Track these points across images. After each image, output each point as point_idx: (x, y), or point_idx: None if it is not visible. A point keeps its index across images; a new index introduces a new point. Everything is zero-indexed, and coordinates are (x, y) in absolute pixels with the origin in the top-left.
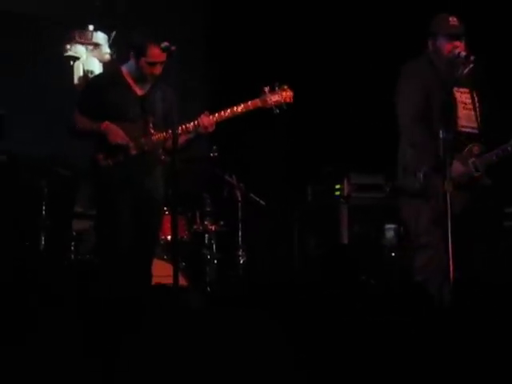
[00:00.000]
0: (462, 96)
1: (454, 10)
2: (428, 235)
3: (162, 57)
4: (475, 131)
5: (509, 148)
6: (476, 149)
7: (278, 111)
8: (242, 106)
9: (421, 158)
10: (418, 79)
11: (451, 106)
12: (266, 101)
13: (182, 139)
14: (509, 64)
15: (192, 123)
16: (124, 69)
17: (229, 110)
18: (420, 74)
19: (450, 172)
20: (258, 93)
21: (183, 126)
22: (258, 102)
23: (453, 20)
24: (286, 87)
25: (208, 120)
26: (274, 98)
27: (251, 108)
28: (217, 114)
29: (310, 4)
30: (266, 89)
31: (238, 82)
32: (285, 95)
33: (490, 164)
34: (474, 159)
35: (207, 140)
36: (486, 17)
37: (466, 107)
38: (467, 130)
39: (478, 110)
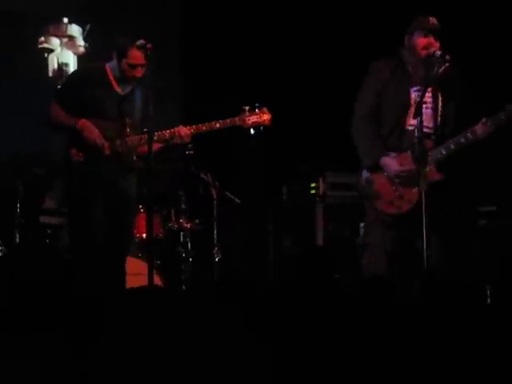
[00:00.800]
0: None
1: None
2: (368, 235)
3: (143, 59)
4: (428, 130)
5: (461, 140)
6: (427, 144)
7: (253, 132)
8: (221, 122)
9: (364, 157)
10: (375, 78)
11: (421, 106)
12: (245, 120)
13: (156, 146)
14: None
15: (168, 131)
16: (108, 67)
17: (207, 125)
18: (380, 73)
19: (424, 171)
20: (238, 110)
21: (159, 133)
22: (236, 121)
23: (432, 19)
24: (265, 109)
25: (184, 130)
26: (253, 119)
27: (228, 125)
28: (194, 126)
29: (286, 8)
30: (246, 108)
31: (213, 85)
32: (263, 118)
33: (439, 159)
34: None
35: None
36: (464, 22)
37: (423, 106)
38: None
39: (439, 110)
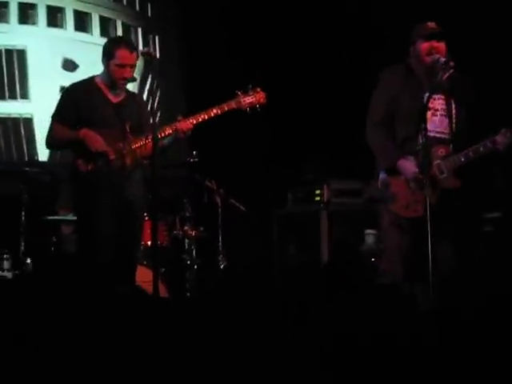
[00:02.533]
0: (434, 102)
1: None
2: (386, 240)
3: (132, 59)
4: (445, 136)
5: (481, 149)
6: (441, 151)
7: (251, 113)
8: (218, 108)
9: (381, 159)
10: (386, 86)
11: (425, 113)
12: (240, 102)
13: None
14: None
15: (169, 128)
16: (97, 78)
17: (204, 113)
18: (390, 82)
19: (432, 177)
20: (233, 95)
21: (161, 131)
22: (232, 104)
23: (431, 24)
24: (258, 89)
25: (186, 125)
26: (248, 100)
27: (226, 110)
28: (193, 118)
29: (285, 5)
30: (240, 91)
31: (215, 85)
32: (258, 97)
33: (457, 166)
34: (439, 161)
35: (187, 146)
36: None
37: (435, 113)
38: (434, 134)
39: (453, 117)
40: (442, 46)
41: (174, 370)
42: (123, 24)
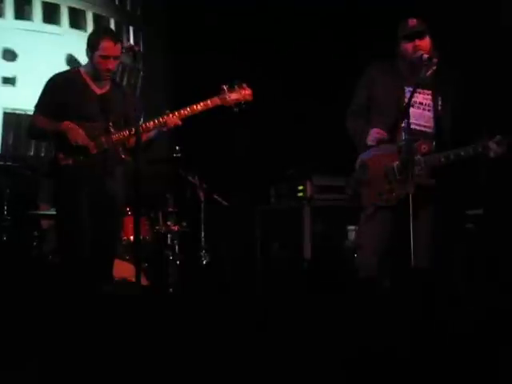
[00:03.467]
0: (419, 96)
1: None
2: (358, 235)
3: (116, 51)
4: (427, 130)
5: (462, 153)
6: (424, 147)
7: (237, 110)
8: (202, 104)
9: (358, 146)
10: (368, 78)
11: (408, 108)
12: (226, 99)
13: (143, 137)
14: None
15: (153, 121)
16: (82, 69)
17: (188, 108)
18: (372, 74)
19: (412, 173)
20: (218, 91)
21: (144, 125)
22: (217, 101)
23: (411, 21)
24: (244, 85)
25: (172, 120)
26: (234, 97)
27: (211, 106)
28: (176, 112)
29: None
30: (225, 87)
31: (200, 79)
32: (244, 93)
33: (435, 165)
34: (419, 157)
35: (170, 141)
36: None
37: (418, 107)
38: (415, 126)
39: (438, 112)
40: (425, 42)
41: (157, 365)
42: (94, 14)
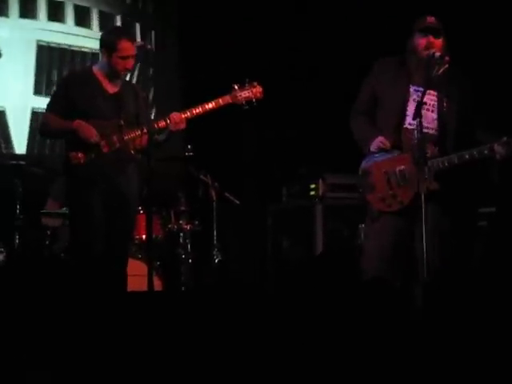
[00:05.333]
0: (427, 97)
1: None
2: (365, 238)
3: (133, 50)
4: (430, 131)
5: (467, 156)
6: (427, 152)
7: (247, 107)
8: (213, 102)
9: (362, 146)
10: (374, 76)
11: (420, 107)
12: (236, 97)
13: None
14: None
15: (163, 121)
16: (95, 68)
17: (199, 107)
18: (378, 72)
19: (424, 173)
20: (229, 89)
21: (154, 123)
22: (228, 99)
23: (430, 18)
24: (255, 83)
25: (178, 117)
26: (244, 95)
27: (222, 104)
28: (187, 111)
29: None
30: (236, 85)
31: (211, 79)
32: (255, 91)
33: (440, 169)
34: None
35: (182, 139)
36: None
37: (423, 107)
38: (424, 129)
39: (443, 113)
40: (439, 42)
41: (168, 364)
42: (100, 12)
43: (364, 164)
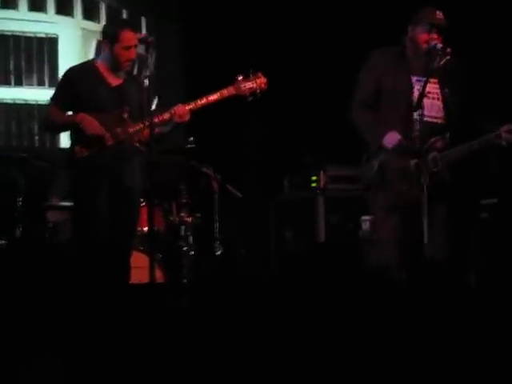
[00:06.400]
0: (429, 86)
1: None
2: (379, 228)
3: (135, 40)
4: (438, 121)
5: (476, 146)
6: (439, 143)
7: (251, 98)
8: (217, 93)
9: (371, 142)
10: (373, 66)
11: (422, 99)
12: (241, 88)
13: (156, 130)
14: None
15: (167, 113)
16: (98, 61)
17: (204, 99)
18: (378, 62)
19: (427, 164)
20: (233, 80)
21: (159, 116)
22: (232, 90)
23: (439, 14)
24: (259, 74)
25: (183, 109)
26: (248, 86)
27: (226, 96)
28: (192, 103)
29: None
30: (240, 77)
31: (214, 70)
32: (259, 82)
33: (452, 161)
34: (435, 153)
35: (184, 131)
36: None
37: (429, 96)
38: (430, 119)
39: (446, 101)
40: (440, 39)
41: (170, 358)
42: (107, 6)
43: (381, 159)
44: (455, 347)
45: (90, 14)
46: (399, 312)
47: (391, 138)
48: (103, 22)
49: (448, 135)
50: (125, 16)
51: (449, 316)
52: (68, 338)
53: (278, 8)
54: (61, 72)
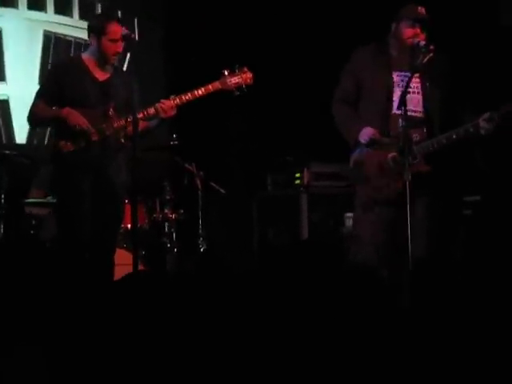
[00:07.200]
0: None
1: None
2: (358, 225)
3: (121, 33)
4: (417, 115)
5: (454, 136)
6: (416, 135)
7: (238, 93)
8: (203, 88)
9: (348, 138)
10: (353, 64)
11: (405, 96)
12: (226, 83)
13: (142, 125)
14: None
15: (152, 108)
16: (84, 55)
17: (189, 94)
18: (358, 60)
19: (409, 160)
20: (218, 75)
21: (144, 112)
22: (218, 85)
23: (421, 9)
24: (245, 69)
25: (168, 104)
26: (234, 80)
27: (212, 91)
28: (177, 98)
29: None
30: (226, 71)
31: (198, 65)
32: (245, 77)
33: (429, 152)
34: (412, 146)
35: (167, 128)
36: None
37: (410, 90)
38: (409, 113)
39: (426, 95)
40: (423, 35)
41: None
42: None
43: (356, 155)
44: (437, 344)
45: (61, 8)
46: (380, 309)
47: (365, 133)
48: (76, 16)
49: (425, 128)
50: (99, 10)
51: (430, 313)
52: (51, 329)
53: (263, 3)
54: (7, 65)
